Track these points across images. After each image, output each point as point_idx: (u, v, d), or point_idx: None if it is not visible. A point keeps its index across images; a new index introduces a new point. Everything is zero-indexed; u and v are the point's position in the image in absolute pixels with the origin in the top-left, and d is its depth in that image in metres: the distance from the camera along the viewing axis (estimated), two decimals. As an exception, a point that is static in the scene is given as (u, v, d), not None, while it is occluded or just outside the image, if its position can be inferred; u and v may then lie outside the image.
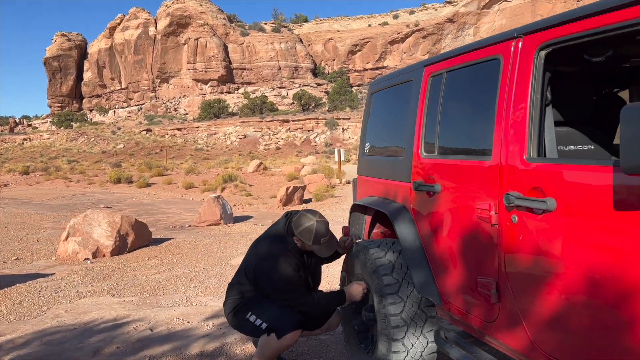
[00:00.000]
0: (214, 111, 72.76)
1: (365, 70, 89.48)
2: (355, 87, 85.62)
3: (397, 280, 2.78)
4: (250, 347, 3.75)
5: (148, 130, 72.05)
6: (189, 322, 4.45)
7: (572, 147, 2.29)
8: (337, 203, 13.88)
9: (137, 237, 8.15)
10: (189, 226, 10.78)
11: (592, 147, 2.32)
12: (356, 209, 3.55)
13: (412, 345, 2.71)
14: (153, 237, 8.80)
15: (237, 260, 7.00)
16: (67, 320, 4.54)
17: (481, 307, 2.21)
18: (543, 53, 1.93)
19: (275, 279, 2.93)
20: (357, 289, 3.08)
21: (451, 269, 2.43)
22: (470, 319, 2.31)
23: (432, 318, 2.76)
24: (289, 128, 63.55)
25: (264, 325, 2.94)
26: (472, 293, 2.28)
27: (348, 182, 17.76)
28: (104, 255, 7.53)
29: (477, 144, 2.29)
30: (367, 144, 3.56)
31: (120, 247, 7.80)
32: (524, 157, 1.94)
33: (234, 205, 14.17)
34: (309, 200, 14.53)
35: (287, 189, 13.72)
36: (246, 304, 3.06)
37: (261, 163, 25.47)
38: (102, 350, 3.80)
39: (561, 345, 1.80)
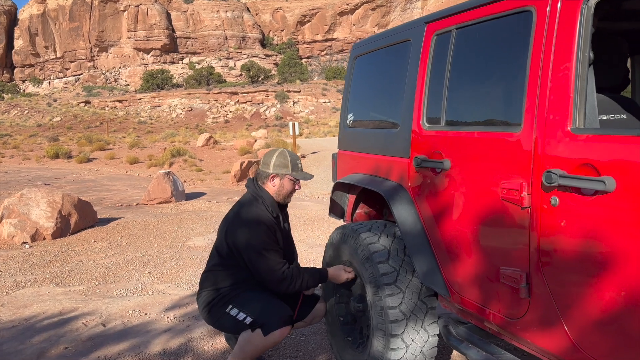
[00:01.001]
0: (157, 82, 69.91)
1: (315, 42, 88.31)
2: (305, 59, 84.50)
3: (394, 268, 2.46)
4: (220, 343, 3.37)
5: (87, 102, 68.48)
6: (146, 314, 4.00)
7: (603, 117, 2.01)
8: (293, 178, 13.49)
9: (80, 218, 7.49)
10: (137, 204, 10.12)
11: (625, 117, 2.05)
12: (338, 187, 3.19)
13: (412, 340, 2.41)
14: (99, 217, 8.15)
15: (195, 242, 6.54)
16: (4, 316, 3.98)
17: (504, 301, 1.93)
18: (592, 2, 1.61)
19: (251, 242, 2.60)
20: (341, 272, 2.76)
21: (462, 257, 2.13)
22: (487, 314, 2.02)
23: (433, 309, 2.47)
24: (238, 101, 62.03)
25: (248, 320, 2.57)
26: (491, 285, 1.98)
27: (303, 156, 17.36)
28: (45, 239, 6.86)
29: (500, 113, 1.97)
30: (350, 115, 3.19)
31: (63, 229, 7.13)
32: (568, 128, 1.63)
33: (185, 182, 13.51)
34: (263, 175, 14.07)
35: (242, 163, 13.18)
36: (224, 295, 2.67)
37: (211, 137, 24.58)
38: (47, 352, 3.31)
39: (614, 349, 1.53)
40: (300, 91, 61.82)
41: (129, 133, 43.90)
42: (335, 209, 3.29)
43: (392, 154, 2.63)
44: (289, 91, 61.74)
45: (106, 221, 8.07)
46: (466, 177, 2.08)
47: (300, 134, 19.33)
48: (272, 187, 2.72)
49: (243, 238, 2.60)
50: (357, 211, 3.25)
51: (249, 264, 2.62)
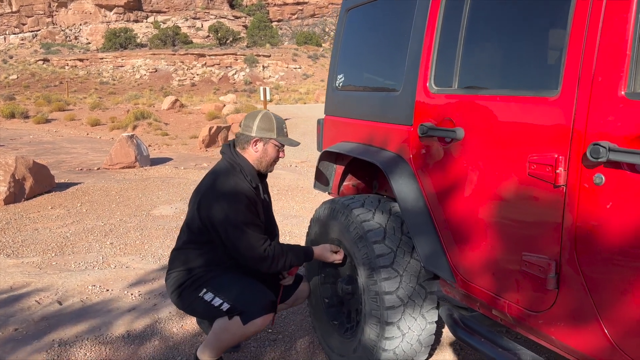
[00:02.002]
0: (120, 41, 66.97)
1: (286, 4, 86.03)
2: (276, 23, 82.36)
3: (390, 249, 2.20)
4: (190, 325, 3.08)
5: (45, 60, 65.17)
6: (108, 290, 3.65)
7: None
8: (264, 144, 13.07)
9: (36, 182, 6.96)
10: (99, 169, 9.57)
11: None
12: (325, 156, 2.88)
13: (409, 328, 2.17)
14: (56, 181, 7.62)
15: (161, 210, 6.15)
16: (-55, 292, 3.58)
17: (524, 291, 1.69)
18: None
19: (229, 216, 2.27)
20: (329, 253, 2.49)
21: (473, 239, 1.88)
22: (501, 304, 1.78)
23: (431, 295, 2.23)
24: (205, 63, 60.17)
25: (225, 306, 2.26)
26: (508, 272, 1.74)
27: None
28: (-5, 205, 6.34)
29: (532, 72, 1.69)
30: (339, 76, 2.85)
31: (17, 195, 6.61)
32: (622, 93, 1.36)
33: (149, 146, 12.90)
34: (233, 141, 13.58)
35: (211, 129, 12.66)
36: (198, 278, 2.35)
37: (177, 100, 23.68)
38: (-7, 335, 2.95)
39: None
40: (270, 56, 60.39)
41: (90, 94, 42.05)
42: (322, 180, 2.99)
43: (391, 121, 2.32)
44: (259, 55, 60.22)
45: (65, 186, 7.56)
46: (483, 148, 1.80)
47: (271, 101, 18.68)
48: (254, 153, 2.39)
49: (219, 212, 2.28)
50: (345, 183, 2.96)
51: (226, 240, 2.31)
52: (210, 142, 12.71)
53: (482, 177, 1.81)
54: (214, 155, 11.86)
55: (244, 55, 60.33)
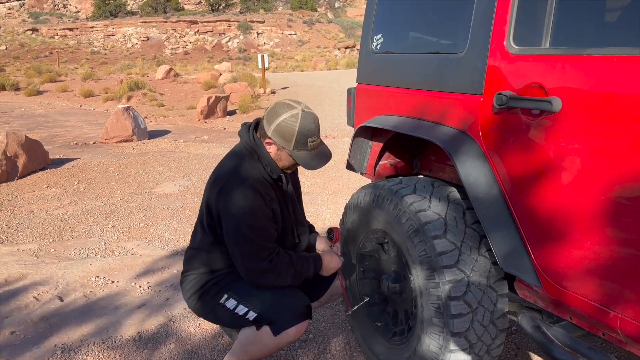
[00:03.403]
0: (110, 9, 65.17)
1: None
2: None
3: (454, 245, 1.84)
4: (209, 323, 2.74)
5: (34, 29, 63.48)
6: (113, 282, 3.31)
7: None
8: (266, 114, 12.59)
9: (29, 159, 6.55)
10: (95, 143, 9.13)
11: None
12: (360, 133, 2.49)
13: (479, 338, 1.83)
14: (51, 157, 7.21)
15: (164, 188, 5.78)
16: None
17: (649, 306, 1.34)
18: None
19: (232, 210, 1.87)
20: (334, 261, 2.16)
21: (571, 235, 1.52)
22: (611, 318, 1.44)
23: (503, 298, 1.88)
24: (198, 30, 58.70)
25: (251, 315, 1.91)
26: (625, 278, 1.38)
27: (273, 92, 16.34)
28: (-14, 185, 5.95)
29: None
30: (377, 37, 2.43)
31: (9, 173, 6.21)
32: None
33: (146, 118, 12.41)
34: (233, 112, 13.08)
35: (209, 99, 12.14)
36: (218, 281, 2.00)
37: (171, 69, 22.91)
38: (-13, 339, 2.62)
39: None
40: (264, 22, 58.91)
41: (81, 64, 40.99)
42: (354, 159, 2.61)
43: (451, 89, 1.93)
44: (252, 21, 58.72)
45: (60, 162, 7.15)
46: (591, 123, 1.42)
47: (267, 68, 17.90)
48: (270, 148, 1.96)
49: (226, 203, 1.88)
50: (381, 162, 2.58)
51: (226, 238, 1.92)
52: (209, 113, 12.22)
53: (588, 160, 1.44)
54: (214, 126, 11.41)
55: (237, 21, 58.85)
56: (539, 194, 1.60)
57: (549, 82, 1.53)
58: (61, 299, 3.05)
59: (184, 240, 4.06)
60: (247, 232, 1.85)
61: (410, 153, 2.59)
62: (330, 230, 2.25)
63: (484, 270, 1.85)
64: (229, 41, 56.91)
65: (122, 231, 4.36)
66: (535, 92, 1.58)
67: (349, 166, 2.64)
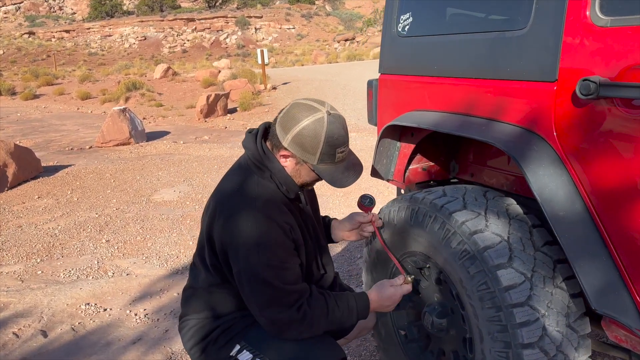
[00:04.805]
0: (106, 9, 64.61)
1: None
2: (265, -18, 79.35)
3: (523, 276, 1.43)
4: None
5: (31, 33, 63.04)
6: (105, 309, 2.92)
7: None
8: (268, 112, 12.18)
9: (20, 168, 6.17)
10: (91, 147, 8.74)
11: None
12: (387, 133, 2.08)
13: (558, 394, 1.44)
14: (44, 164, 6.83)
15: (163, 195, 5.38)
16: None
17: None
18: None
19: (245, 256, 1.44)
20: (393, 294, 1.66)
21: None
22: None
23: (585, 340, 1.48)
24: (195, 28, 58.14)
25: None
26: None
27: (274, 88, 15.88)
28: (-27, 198, 5.57)
29: None
30: (404, 17, 2.01)
31: (-3, 184, 5.83)
32: None
33: (144, 119, 12.02)
34: (234, 110, 12.66)
35: (209, 97, 11.71)
36: (228, 328, 1.59)
37: (169, 68, 22.48)
38: (-44, 390, 2.23)
39: None
40: (262, 16, 58.28)
41: (79, 66, 40.55)
42: (380, 165, 2.20)
43: (510, 76, 1.52)
44: (250, 17, 58.07)
45: (53, 170, 6.76)
46: None
47: (267, 64, 17.40)
48: (285, 162, 1.53)
49: (234, 238, 1.46)
50: (411, 167, 2.18)
51: (238, 283, 1.49)
52: (209, 111, 11.79)
53: None
54: (214, 126, 11.00)
55: (234, 17, 58.22)
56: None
57: (664, 61, 1.12)
58: (45, 334, 2.66)
59: (185, 256, 3.66)
60: (265, 274, 1.43)
61: (446, 155, 2.19)
62: (366, 197, 1.82)
63: (561, 306, 1.45)
64: (227, 38, 56.35)
65: (117, 247, 3.97)
66: (638, 77, 1.18)
67: (374, 172, 2.23)
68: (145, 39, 57.96)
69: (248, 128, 1.63)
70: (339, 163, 1.52)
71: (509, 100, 1.52)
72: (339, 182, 1.52)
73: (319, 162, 1.49)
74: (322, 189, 5.28)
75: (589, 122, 1.31)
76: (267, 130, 1.58)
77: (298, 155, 1.49)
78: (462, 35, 1.73)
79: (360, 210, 1.86)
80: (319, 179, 1.56)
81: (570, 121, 1.35)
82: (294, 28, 56.65)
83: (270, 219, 1.45)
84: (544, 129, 1.41)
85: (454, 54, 1.76)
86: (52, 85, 22.41)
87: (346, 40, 45.31)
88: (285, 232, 1.48)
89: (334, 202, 4.80)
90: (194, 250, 1.67)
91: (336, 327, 1.58)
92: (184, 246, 3.88)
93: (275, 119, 1.54)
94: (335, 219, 1.90)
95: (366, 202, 1.83)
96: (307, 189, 1.73)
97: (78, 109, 16.47)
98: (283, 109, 1.53)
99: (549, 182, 1.37)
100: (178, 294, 3.07)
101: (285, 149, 1.49)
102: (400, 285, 1.67)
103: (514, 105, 1.51)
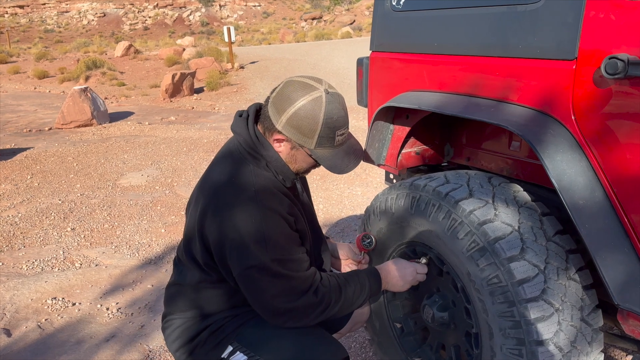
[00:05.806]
0: (62, -16, 61.72)
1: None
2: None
3: (537, 268, 1.35)
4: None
5: (-20, 8, 59.79)
6: (74, 304, 2.73)
7: None
8: (236, 92, 11.87)
9: (-27, 152, 5.79)
10: (50, 129, 8.31)
11: None
12: (381, 115, 1.95)
13: (572, 391, 1.37)
14: (1, 147, 6.44)
15: (129, 179, 5.13)
16: None
17: None
18: None
19: (252, 255, 1.30)
20: (406, 273, 1.59)
21: None
22: None
23: (598, 334, 1.41)
24: (157, 4, 56.28)
25: None
26: None
27: (242, 67, 15.49)
28: None
29: None
30: (399, -10, 1.87)
31: (-51, 169, 5.45)
32: None
33: (106, 99, 11.53)
34: (200, 90, 12.27)
35: (174, 76, 11.30)
36: (218, 329, 1.45)
37: (130, 45, 21.65)
38: None
39: None
40: (226, -6, 56.89)
41: (34, 43, 38.79)
42: (372, 149, 2.07)
43: (523, 54, 1.41)
44: (214, -6, 56.61)
45: (11, 153, 6.38)
46: None
47: (234, 42, 16.86)
48: (279, 146, 1.39)
49: (236, 239, 1.31)
50: (404, 151, 2.07)
51: (241, 282, 1.35)
52: (175, 91, 11.40)
53: None
54: (180, 106, 10.64)
55: (198, -6, 56.60)
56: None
57: None
58: (8, 333, 2.46)
59: (157, 245, 3.47)
60: (277, 268, 1.31)
61: (441, 137, 2.08)
62: (368, 237, 1.77)
63: (575, 299, 1.37)
64: (190, 15, 54.80)
65: (84, 235, 3.74)
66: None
67: (366, 157, 2.11)
68: (104, 15, 55.82)
69: (237, 110, 1.47)
70: (339, 147, 1.39)
71: (520, 80, 1.42)
72: (338, 168, 1.40)
73: (316, 146, 1.35)
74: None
75: (613, 104, 1.21)
76: (258, 113, 1.43)
77: (294, 139, 1.35)
78: (466, 9, 1.61)
79: (355, 245, 1.79)
80: (317, 165, 1.43)
81: (591, 103, 1.25)
82: (259, 6, 55.56)
83: (274, 212, 1.32)
84: (561, 112, 1.31)
85: (456, 29, 1.64)
86: (6, 63, 21.35)
87: (313, 18, 44.77)
88: (291, 225, 1.37)
89: (311, 186, 4.67)
90: (169, 241, 1.54)
91: (349, 306, 1.47)
92: (155, 234, 3.68)
93: (267, 99, 1.39)
94: (327, 237, 1.79)
95: (365, 242, 1.76)
96: (303, 182, 1.60)
97: (35, 88, 15.70)
98: (276, 88, 1.38)
99: (567, 168, 1.28)
100: (152, 285, 2.90)
101: (279, 132, 1.35)
102: (421, 264, 1.62)
103: (526, 85, 1.40)
